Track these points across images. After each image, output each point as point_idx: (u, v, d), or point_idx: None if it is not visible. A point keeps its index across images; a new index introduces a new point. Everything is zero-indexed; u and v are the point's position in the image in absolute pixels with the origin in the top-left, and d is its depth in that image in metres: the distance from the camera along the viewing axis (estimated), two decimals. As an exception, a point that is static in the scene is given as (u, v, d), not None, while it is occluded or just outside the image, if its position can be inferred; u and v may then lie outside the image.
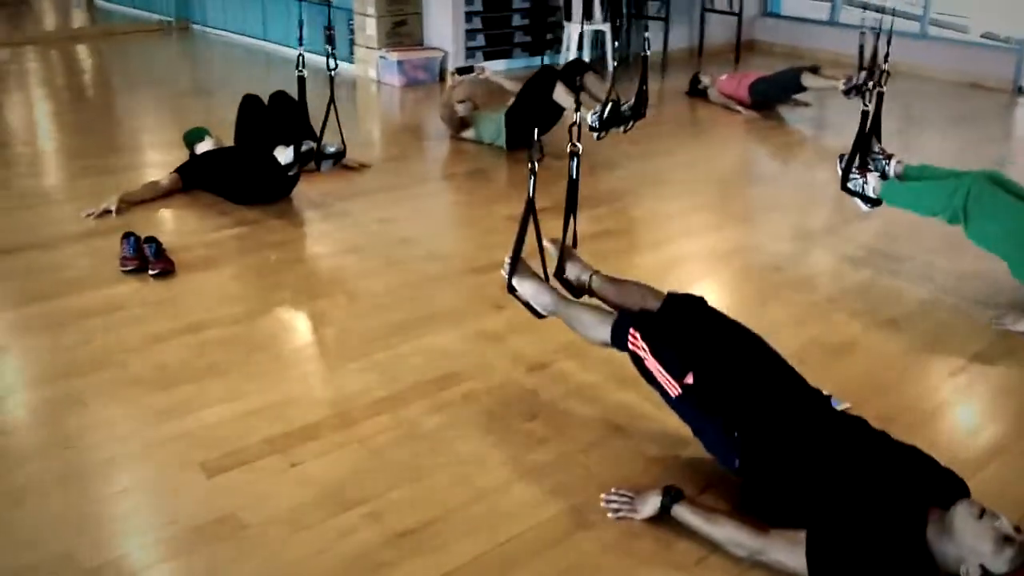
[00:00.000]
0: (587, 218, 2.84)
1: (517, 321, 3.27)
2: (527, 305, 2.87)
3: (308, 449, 2.70)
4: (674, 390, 2.46)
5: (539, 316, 2.87)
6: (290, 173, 4.52)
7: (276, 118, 4.66)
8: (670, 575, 2.25)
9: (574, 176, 2.82)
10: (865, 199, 3.92)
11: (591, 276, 2.94)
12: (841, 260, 4.18)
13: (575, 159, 2.79)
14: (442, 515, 2.44)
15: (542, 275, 2.88)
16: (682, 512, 2.35)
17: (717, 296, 3.75)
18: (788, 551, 2.18)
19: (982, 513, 2.07)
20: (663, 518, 2.36)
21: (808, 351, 3.26)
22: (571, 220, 2.91)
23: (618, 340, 2.60)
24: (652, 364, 2.51)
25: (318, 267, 4.19)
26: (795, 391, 2.51)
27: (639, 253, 4.29)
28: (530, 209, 2.77)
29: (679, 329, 2.61)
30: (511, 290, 2.89)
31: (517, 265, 2.86)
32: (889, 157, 3.94)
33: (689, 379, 2.44)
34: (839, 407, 2.89)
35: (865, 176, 3.91)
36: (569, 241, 2.92)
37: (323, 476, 2.59)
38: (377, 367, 3.18)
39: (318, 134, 4.40)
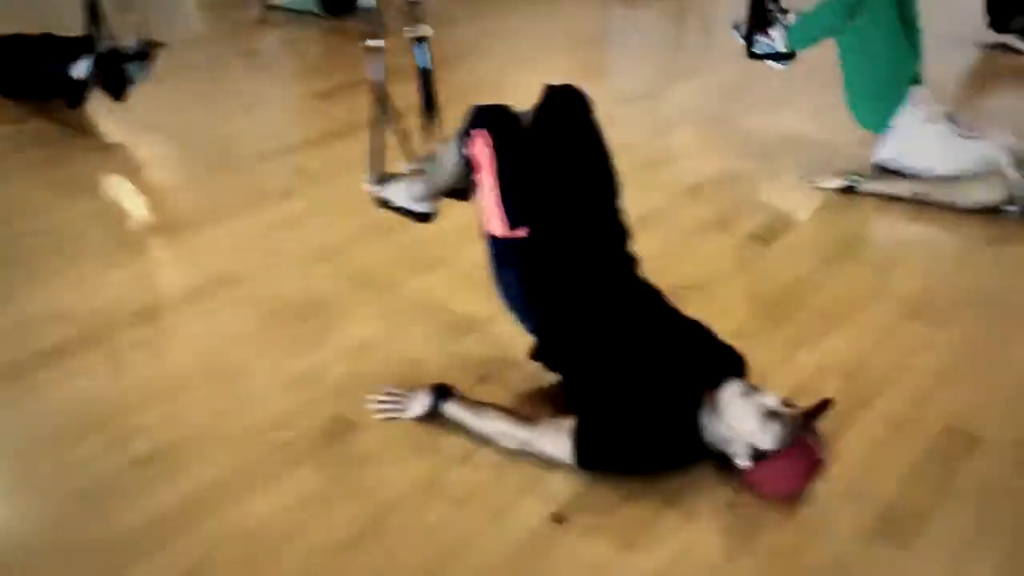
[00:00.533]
0: (409, 91, 2.51)
1: (311, 208, 3.03)
2: (405, 212, 2.53)
3: (51, 371, 2.43)
4: (499, 228, 2.18)
5: (424, 219, 2.53)
6: (89, 88, 3.80)
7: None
8: (437, 473, 2.11)
9: (427, 64, 2.42)
10: (778, 57, 3.68)
11: None
12: (667, 121, 4.04)
13: (422, 43, 2.41)
14: (191, 436, 2.22)
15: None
16: (451, 409, 2.21)
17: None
18: (554, 439, 2.06)
19: (747, 391, 1.99)
20: (434, 417, 2.22)
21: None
22: (433, 121, 2.50)
23: (462, 138, 2.17)
24: (489, 185, 2.15)
25: (84, 162, 3.73)
26: (609, 257, 2.30)
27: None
28: (382, 104, 2.46)
29: (541, 158, 2.16)
30: (383, 204, 2.58)
31: (383, 176, 2.56)
32: (785, 12, 3.69)
33: (521, 232, 2.18)
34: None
35: (768, 35, 3.66)
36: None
37: (65, 400, 2.33)
38: (142, 273, 2.90)
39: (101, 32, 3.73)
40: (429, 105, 2.44)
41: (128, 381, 2.41)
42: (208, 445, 2.20)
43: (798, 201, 3.34)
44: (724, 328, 2.44)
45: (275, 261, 2.95)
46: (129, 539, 1.94)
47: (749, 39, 3.69)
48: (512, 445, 2.13)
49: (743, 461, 1.97)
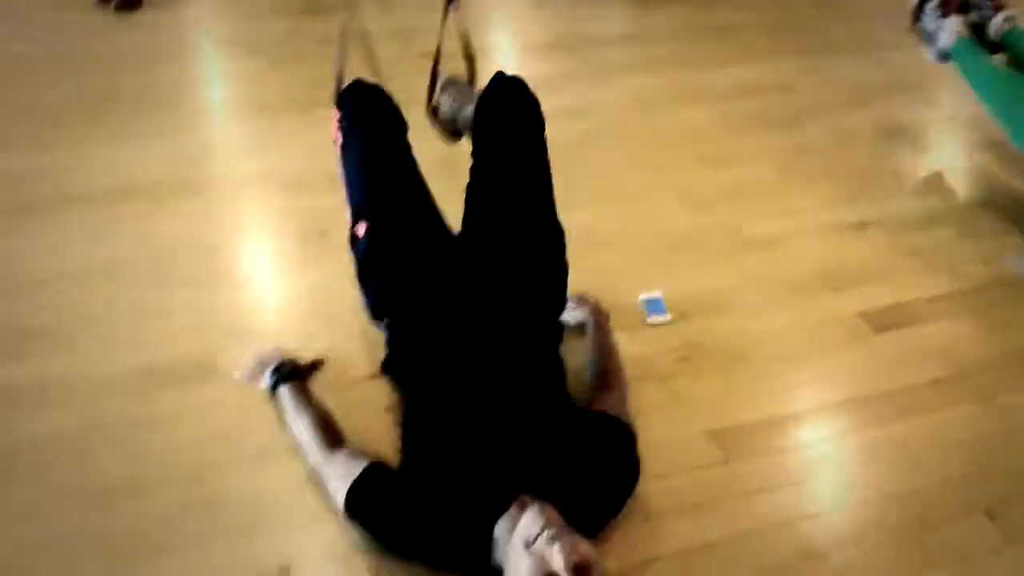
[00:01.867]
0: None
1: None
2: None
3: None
4: (348, 222, 1.95)
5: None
6: None
7: None
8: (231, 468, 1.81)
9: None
10: (934, 47, 2.84)
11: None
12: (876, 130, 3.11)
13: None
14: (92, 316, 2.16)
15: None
16: (283, 396, 1.88)
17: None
18: (337, 479, 1.66)
19: (542, 530, 1.42)
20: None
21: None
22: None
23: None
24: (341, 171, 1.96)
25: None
26: (503, 298, 1.86)
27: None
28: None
29: (390, 149, 1.95)
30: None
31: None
32: (999, 8, 2.77)
33: (360, 229, 1.89)
34: (653, 319, 2.18)
35: (948, 15, 2.78)
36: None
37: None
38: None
39: None
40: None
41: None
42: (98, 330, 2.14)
43: (963, 281, 2.38)
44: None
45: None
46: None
47: (921, 6, 2.86)
48: (310, 461, 1.76)
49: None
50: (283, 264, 2.44)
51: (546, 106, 1.96)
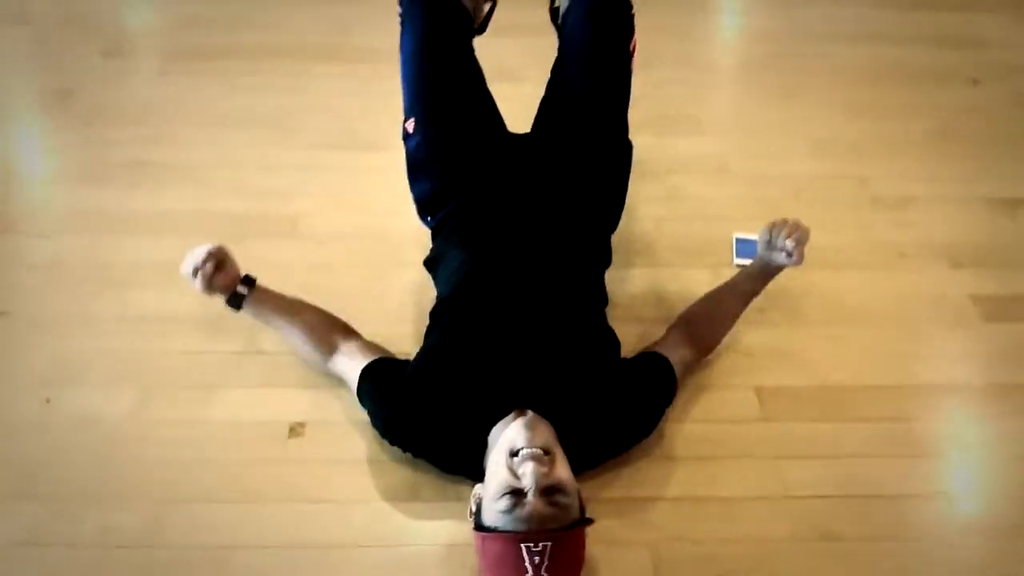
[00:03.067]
0: None
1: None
2: None
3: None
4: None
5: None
6: None
7: None
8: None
9: None
10: None
11: None
12: None
13: None
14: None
15: None
16: (251, 308, 1.70)
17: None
18: (349, 373, 1.67)
19: (526, 444, 1.39)
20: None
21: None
22: None
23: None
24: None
25: None
26: (543, 206, 1.77)
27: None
28: None
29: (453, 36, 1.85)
30: None
31: None
32: None
33: (410, 125, 1.85)
34: (741, 261, 2.07)
35: None
36: None
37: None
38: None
39: None
40: None
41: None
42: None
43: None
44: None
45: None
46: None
47: None
48: (311, 364, 1.76)
49: (469, 510, 1.45)
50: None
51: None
